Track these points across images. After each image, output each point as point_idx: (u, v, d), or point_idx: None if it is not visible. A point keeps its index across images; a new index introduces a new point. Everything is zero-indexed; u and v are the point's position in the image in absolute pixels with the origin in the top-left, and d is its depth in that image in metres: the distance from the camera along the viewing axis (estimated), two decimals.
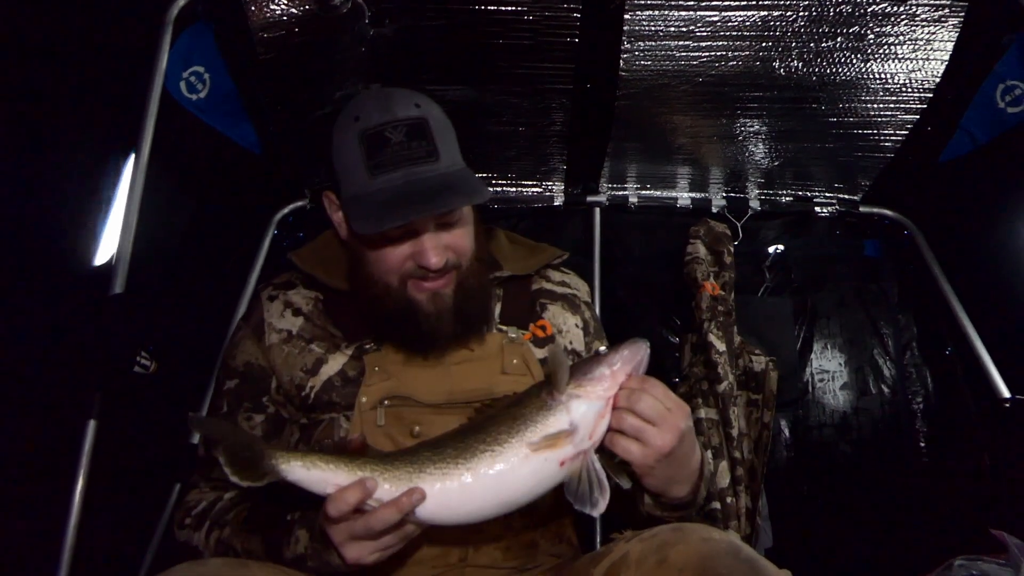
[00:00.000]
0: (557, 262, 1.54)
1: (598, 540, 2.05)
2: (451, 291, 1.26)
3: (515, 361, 1.33)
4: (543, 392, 1.06)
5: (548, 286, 1.49)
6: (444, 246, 1.22)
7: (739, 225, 2.41)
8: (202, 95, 1.86)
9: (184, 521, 1.29)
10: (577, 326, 1.47)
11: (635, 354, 1.07)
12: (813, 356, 2.46)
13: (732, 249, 2.29)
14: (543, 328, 1.41)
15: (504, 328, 1.39)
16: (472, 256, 1.29)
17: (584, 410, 1.05)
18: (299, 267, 1.39)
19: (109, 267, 1.60)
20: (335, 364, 1.30)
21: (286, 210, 2.37)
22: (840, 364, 2.46)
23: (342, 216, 1.30)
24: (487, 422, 1.07)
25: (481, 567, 1.25)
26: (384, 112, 1.21)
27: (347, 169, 1.22)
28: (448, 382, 1.29)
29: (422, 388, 1.27)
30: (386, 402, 1.26)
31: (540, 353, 1.37)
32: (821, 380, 2.45)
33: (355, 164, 1.20)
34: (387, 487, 1.03)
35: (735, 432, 2.05)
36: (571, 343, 1.45)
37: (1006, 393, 2.07)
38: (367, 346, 1.31)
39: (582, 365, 1.08)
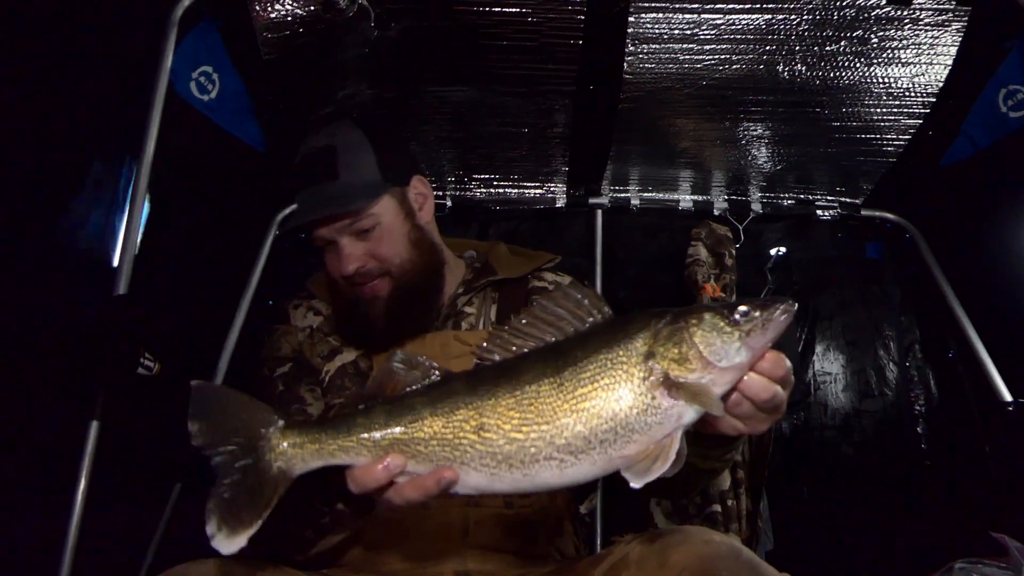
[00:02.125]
0: (550, 265, 1.60)
1: (599, 542, 2.06)
2: (386, 293, 1.38)
3: None
4: (653, 375, 0.79)
5: (540, 285, 1.56)
6: (362, 254, 1.36)
7: (741, 227, 2.41)
8: (212, 95, 1.86)
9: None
10: None
11: (785, 324, 0.82)
12: (815, 358, 2.46)
13: (733, 251, 2.30)
14: None
15: (499, 327, 1.42)
16: (407, 260, 1.40)
17: (696, 415, 0.81)
18: (312, 291, 1.55)
19: (113, 267, 1.60)
20: (349, 355, 1.43)
21: (287, 210, 2.37)
22: (842, 366, 2.46)
23: None
24: (556, 412, 0.82)
25: (482, 548, 1.27)
26: (308, 143, 1.43)
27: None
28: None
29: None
30: None
31: None
32: (823, 382, 2.45)
33: (293, 183, 1.44)
34: (417, 464, 0.87)
35: None
36: None
37: (1007, 396, 2.07)
38: (374, 349, 1.43)
39: (716, 353, 0.79)
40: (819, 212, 2.44)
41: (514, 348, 0.88)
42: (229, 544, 0.87)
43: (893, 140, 2.13)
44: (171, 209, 1.86)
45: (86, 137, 1.64)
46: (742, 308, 0.80)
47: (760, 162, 2.27)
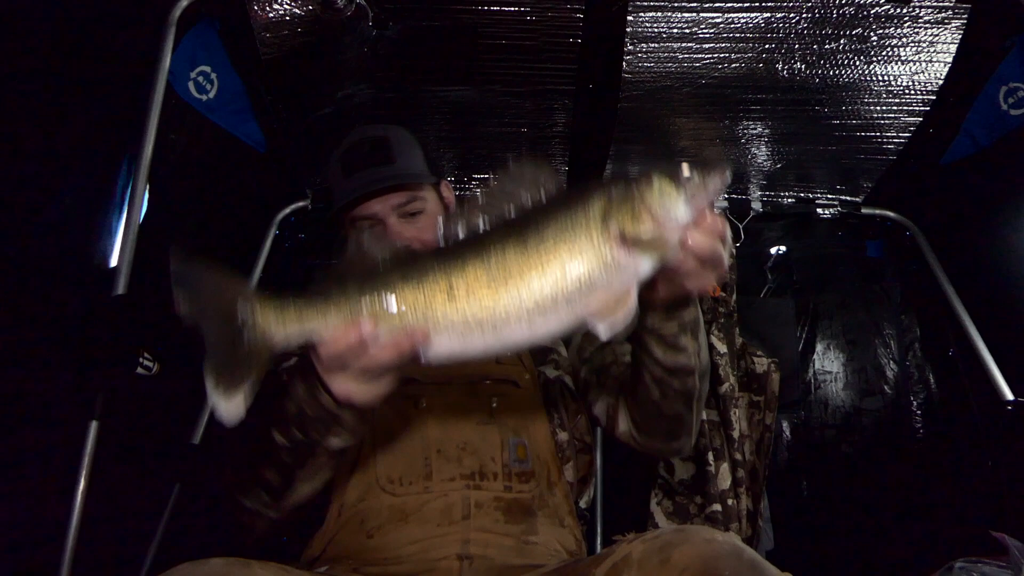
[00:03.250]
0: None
1: (599, 541, 2.06)
2: None
3: (508, 353, 1.45)
4: (610, 233, 0.86)
5: None
6: (409, 236, 1.42)
7: (741, 226, 2.41)
8: (211, 95, 1.86)
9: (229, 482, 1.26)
10: None
11: (722, 186, 0.90)
12: (815, 357, 2.46)
13: (734, 250, 2.30)
14: None
15: None
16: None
17: (651, 267, 0.89)
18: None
19: (112, 268, 1.60)
20: None
21: (287, 210, 2.38)
22: (842, 365, 2.46)
23: (345, 231, 1.52)
24: (523, 272, 0.87)
25: (483, 531, 1.28)
26: (356, 135, 1.51)
27: (334, 182, 1.50)
28: (448, 366, 1.37)
29: (425, 370, 1.37)
30: None
31: None
32: (823, 381, 2.45)
33: (336, 174, 1.48)
34: (390, 325, 0.90)
35: (736, 434, 2.06)
36: None
37: (1008, 394, 2.06)
38: None
39: (664, 209, 0.87)
40: (819, 210, 2.44)
41: (477, 223, 0.93)
42: (229, 404, 0.92)
43: (893, 138, 2.13)
44: (171, 209, 1.86)
45: (85, 137, 1.64)
46: (685, 172, 0.88)
47: (760, 160, 2.27)
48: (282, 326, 0.94)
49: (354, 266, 0.95)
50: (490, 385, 1.43)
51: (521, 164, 0.94)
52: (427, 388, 1.40)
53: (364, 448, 1.34)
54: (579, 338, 1.55)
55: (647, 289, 0.99)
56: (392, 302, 0.91)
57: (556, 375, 1.50)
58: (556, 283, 0.86)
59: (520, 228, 0.89)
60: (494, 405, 1.39)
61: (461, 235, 0.93)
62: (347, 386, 0.99)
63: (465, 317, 0.89)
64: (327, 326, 0.93)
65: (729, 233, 0.93)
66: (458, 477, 1.31)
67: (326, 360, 0.96)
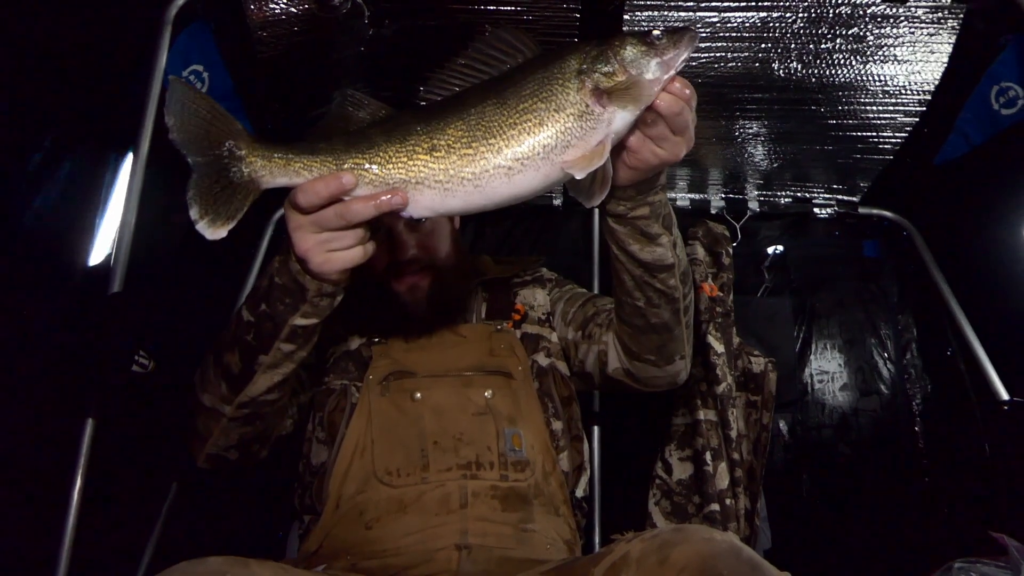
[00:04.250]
0: (534, 267, 1.74)
1: (597, 541, 2.05)
2: (427, 284, 1.47)
3: (502, 345, 1.52)
4: (586, 88, 0.89)
5: (524, 278, 1.70)
6: (415, 244, 1.45)
7: (738, 226, 2.41)
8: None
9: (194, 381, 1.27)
10: (542, 298, 1.65)
11: (691, 48, 0.93)
12: (812, 357, 2.46)
13: (730, 250, 2.29)
14: (518, 312, 1.60)
15: (490, 322, 1.59)
16: (447, 252, 1.52)
17: (626, 122, 0.92)
18: None
19: (107, 266, 1.60)
20: (353, 343, 1.51)
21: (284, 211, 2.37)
22: (839, 365, 2.46)
23: None
24: (502, 126, 0.90)
25: (481, 519, 1.29)
26: None
27: None
28: (444, 360, 1.47)
29: (422, 364, 1.46)
30: (392, 376, 1.44)
31: (518, 332, 1.56)
32: (820, 381, 2.45)
33: None
34: (371, 179, 0.93)
35: (734, 434, 2.05)
36: (543, 314, 1.62)
37: (1005, 394, 2.06)
38: (375, 340, 1.51)
39: (637, 62, 0.90)
40: (816, 210, 2.44)
41: (456, 86, 0.96)
42: (211, 232, 0.96)
43: (890, 138, 2.14)
44: (167, 207, 1.86)
45: (81, 136, 1.64)
46: (656, 32, 0.92)
47: (757, 160, 2.27)
48: (268, 166, 0.95)
49: (340, 125, 0.98)
50: (484, 376, 1.45)
51: (499, 31, 0.96)
52: (423, 381, 1.43)
53: (361, 440, 1.36)
54: (561, 306, 1.58)
55: (618, 168, 1.02)
56: (376, 161, 0.93)
57: (548, 363, 1.52)
58: (535, 136, 0.89)
59: (498, 86, 0.92)
60: (488, 396, 1.41)
61: (441, 96, 0.95)
62: (312, 242, 0.98)
63: (447, 173, 0.91)
64: (311, 173, 0.94)
65: (694, 98, 0.96)
66: (455, 467, 1.32)
67: (302, 205, 0.95)
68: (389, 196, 0.93)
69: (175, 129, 0.95)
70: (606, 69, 0.89)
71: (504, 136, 0.89)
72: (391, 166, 0.93)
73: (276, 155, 0.96)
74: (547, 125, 0.89)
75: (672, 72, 0.92)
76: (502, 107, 0.90)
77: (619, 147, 0.97)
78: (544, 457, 1.41)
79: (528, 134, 0.89)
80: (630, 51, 0.90)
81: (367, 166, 0.93)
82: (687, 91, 0.96)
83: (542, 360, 1.52)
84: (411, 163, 0.92)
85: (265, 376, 1.17)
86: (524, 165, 0.89)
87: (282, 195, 2.41)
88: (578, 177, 0.90)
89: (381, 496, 1.30)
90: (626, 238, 1.18)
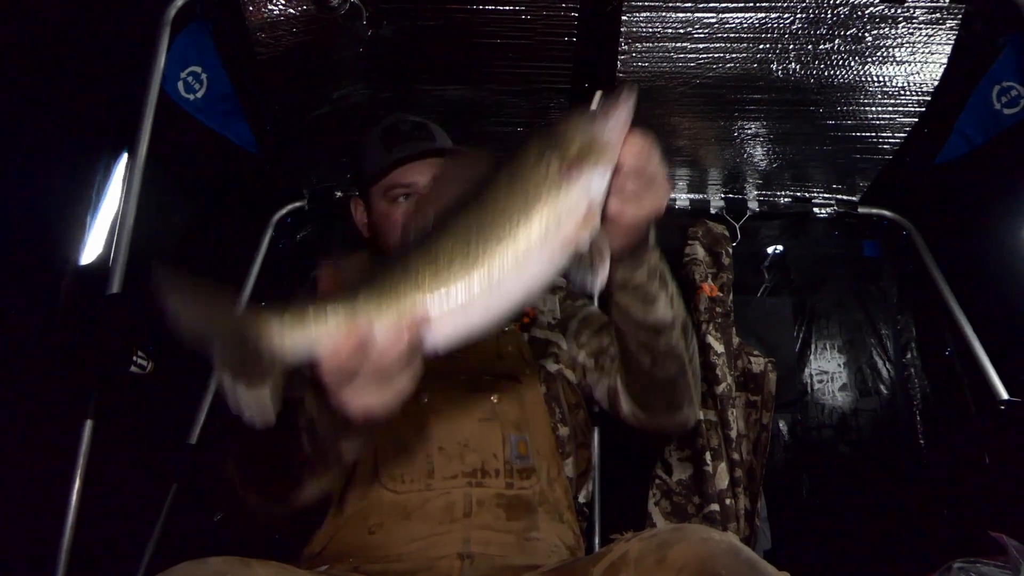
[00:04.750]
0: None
1: (596, 540, 2.05)
2: None
3: (510, 348, 1.48)
4: (552, 168, 0.90)
5: None
6: None
7: (737, 226, 2.41)
8: (199, 95, 1.86)
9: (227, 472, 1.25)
10: (553, 304, 1.63)
11: (632, 104, 0.95)
12: (812, 357, 2.46)
13: (730, 250, 2.30)
14: (527, 314, 1.56)
15: None
16: None
17: (602, 184, 0.92)
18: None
19: (106, 267, 1.60)
20: None
21: (284, 211, 2.37)
22: (839, 365, 2.46)
23: (364, 212, 1.56)
24: (495, 230, 0.89)
25: (484, 528, 1.28)
26: (396, 117, 1.55)
27: (368, 154, 1.52)
28: (452, 364, 1.40)
29: (427, 365, 1.35)
30: None
31: (527, 336, 1.53)
32: (820, 381, 2.44)
33: (374, 147, 1.51)
34: (388, 321, 0.88)
35: (734, 434, 2.05)
36: (551, 318, 1.59)
37: (1004, 394, 2.06)
38: None
39: (587, 128, 0.93)
40: (816, 210, 2.44)
41: (435, 210, 0.95)
42: (256, 415, 0.89)
43: (889, 138, 2.13)
44: (166, 208, 1.86)
45: (80, 136, 1.64)
46: (594, 101, 0.95)
47: (756, 160, 2.27)
48: (285, 336, 0.90)
49: (339, 277, 0.95)
50: (491, 381, 1.42)
51: (459, 154, 0.99)
52: (429, 384, 1.38)
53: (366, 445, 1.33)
54: (575, 324, 1.56)
55: (611, 239, 1.00)
56: (383, 297, 0.89)
57: (557, 368, 1.50)
58: (528, 227, 0.89)
59: (474, 198, 0.91)
60: (495, 400, 1.39)
61: (424, 224, 0.94)
62: (361, 397, 0.92)
63: (458, 291, 0.88)
64: (328, 331, 0.89)
65: (656, 148, 0.97)
66: (460, 475, 1.31)
67: (334, 374, 0.91)
68: (411, 331, 0.88)
69: (184, 327, 0.90)
70: (563, 145, 0.91)
71: (500, 238, 0.88)
72: (401, 301, 0.89)
73: (286, 318, 0.90)
74: (534, 212, 0.89)
75: (624, 126, 0.94)
76: (486, 213, 0.90)
77: (604, 219, 0.97)
78: (550, 463, 1.41)
79: (521, 227, 0.89)
80: (577, 123, 0.93)
81: (377, 307, 0.89)
82: (645, 141, 0.96)
83: (551, 366, 1.50)
84: (420, 293, 0.89)
85: (314, 484, 1.17)
86: (529, 257, 0.89)
87: (282, 195, 2.40)
88: (583, 248, 0.90)
89: (385, 502, 1.29)
90: (629, 306, 1.19)
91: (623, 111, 0.94)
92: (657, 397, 1.34)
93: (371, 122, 2.08)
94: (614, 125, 0.93)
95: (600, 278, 0.92)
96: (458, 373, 1.41)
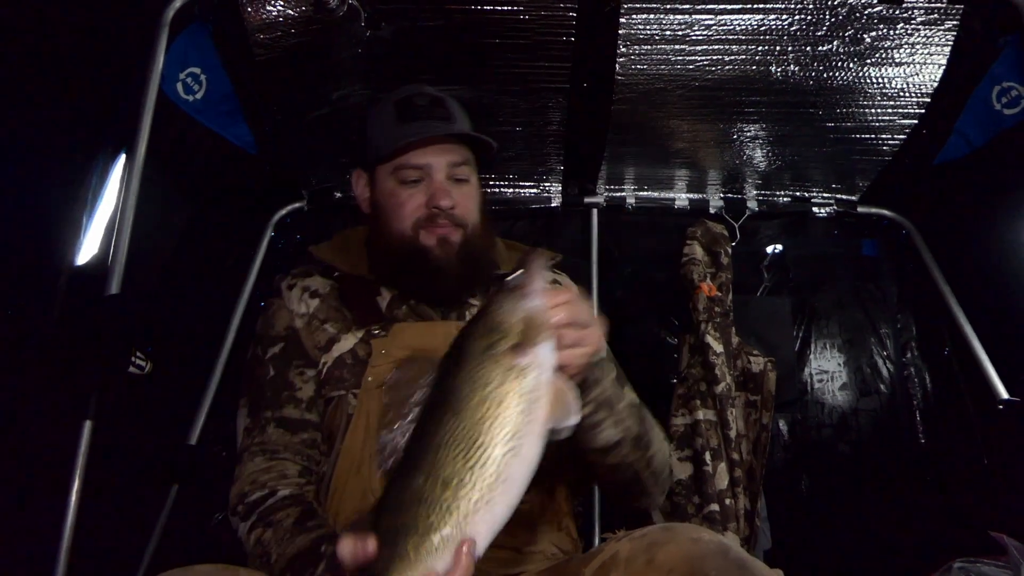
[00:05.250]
0: (551, 264, 1.61)
1: (596, 540, 2.05)
2: (458, 240, 1.40)
3: None
4: (505, 358, 0.92)
5: None
6: (454, 197, 1.39)
7: (737, 226, 2.41)
8: (198, 96, 1.86)
9: (236, 507, 1.28)
10: None
11: (542, 264, 0.99)
12: (812, 356, 2.46)
13: (729, 250, 2.29)
14: None
15: None
16: (477, 222, 1.44)
17: (551, 349, 0.95)
18: (316, 256, 1.52)
19: (105, 267, 1.60)
20: (346, 344, 1.38)
21: (283, 212, 2.38)
22: (839, 364, 2.46)
23: (366, 186, 1.49)
24: (469, 425, 0.91)
25: None
26: (414, 89, 1.47)
27: (378, 128, 1.45)
28: None
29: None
30: None
31: None
32: (820, 381, 2.44)
33: (387, 120, 1.43)
34: (435, 563, 0.88)
35: (733, 433, 2.05)
36: None
37: (1004, 393, 2.06)
38: (375, 331, 1.39)
39: (519, 307, 0.96)
40: (815, 209, 2.44)
41: (401, 423, 0.96)
42: None
43: (888, 139, 2.13)
44: (165, 209, 1.86)
45: (78, 137, 1.64)
46: (509, 277, 0.97)
47: (755, 162, 2.27)
48: None
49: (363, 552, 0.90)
50: None
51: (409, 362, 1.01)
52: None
53: (357, 456, 1.31)
54: None
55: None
56: (422, 535, 0.88)
57: None
58: (507, 417, 0.90)
59: (447, 410, 0.91)
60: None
61: (402, 441, 0.94)
62: None
63: (473, 499, 0.89)
64: None
65: (575, 294, 1.01)
66: None
67: None
68: (466, 548, 0.87)
69: None
70: (500, 331, 0.93)
71: (489, 434, 0.90)
72: (432, 537, 0.88)
73: None
74: (508, 405, 0.90)
75: (544, 289, 0.97)
76: (465, 426, 0.90)
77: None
78: (551, 473, 1.40)
79: (501, 418, 0.90)
80: (505, 305, 0.95)
81: (415, 559, 0.88)
82: (565, 295, 0.99)
83: None
84: (445, 513, 0.88)
85: None
86: (521, 439, 0.90)
87: (282, 196, 2.40)
88: (573, 421, 0.93)
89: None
90: (576, 436, 1.18)
91: (540, 277, 0.96)
92: (611, 493, 1.40)
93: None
94: (539, 293, 0.95)
95: (576, 415, 0.94)
96: None
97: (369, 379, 1.34)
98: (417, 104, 1.42)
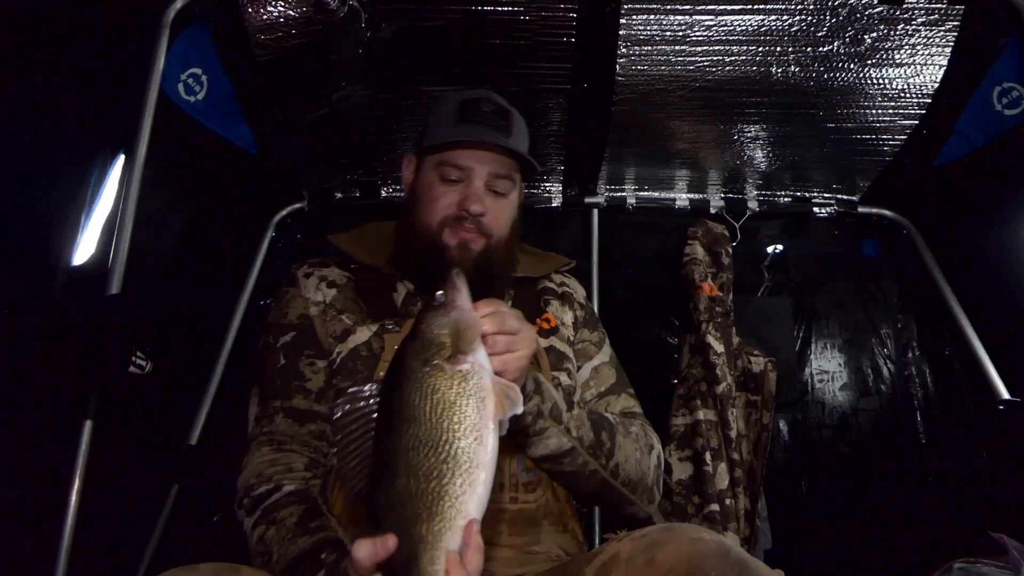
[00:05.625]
0: (564, 269, 1.66)
1: (597, 541, 2.05)
2: (478, 248, 1.41)
3: None
4: (445, 368, 0.99)
5: (550, 285, 1.62)
6: (487, 205, 1.40)
7: (737, 226, 2.41)
8: (199, 97, 1.86)
9: (242, 500, 1.28)
10: (569, 321, 1.58)
11: (462, 280, 1.06)
12: (812, 356, 2.46)
13: (730, 250, 2.29)
14: (547, 321, 1.53)
15: None
16: (504, 236, 1.45)
17: (484, 353, 1.03)
18: (336, 244, 1.54)
19: (105, 268, 1.60)
20: (362, 336, 1.40)
21: (284, 212, 2.38)
22: (839, 364, 2.46)
23: (412, 172, 1.51)
24: (429, 427, 0.98)
25: (485, 543, 1.26)
26: (484, 94, 1.48)
27: (438, 121, 1.45)
28: None
29: None
30: None
31: (545, 343, 1.48)
32: (820, 381, 2.44)
33: (447, 116, 1.44)
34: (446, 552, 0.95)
35: (734, 433, 2.05)
36: (568, 337, 1.55)
37: (1005, 393, 2.06)
38: (388, 326, 1.41)
39: (447, 320, 1.03)
40: (816, 209, 2.44)
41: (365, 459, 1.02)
42: None
43: (889, 141, 2.13)
44: (165, 209, 1.86)
45: (79, 137, 1.65)
46: (437, 294, 1.04)
47: (756, 163, 2.27)
48: None
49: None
50: None
51: (340, 395, 1.04)
52: None
53: None
54: (588, 371, 1.55)
55: None
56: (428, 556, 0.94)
57: (568, 384, 1.48)
58: (464, 415, 0.98)
59: (398, 419, 0.98)
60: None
61: (358, 464, 1.00)
62: None
63: (457, 483, 0.96)
64: None
65: (499, 305, 1.07)
66: None
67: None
68: (473, 530, 0.95)
69: None
70: (434, 344, 1.00)
71: (450, 430, 0.97)
72: (440, 512, 0.95)
73: None
74: (457, 402, 0.97)
75: (470, 302, 1.04)
76: (421, 423, 0.97)
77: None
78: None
79: (458, 416, 0.97)
80: (434, 321, 1.02)
81: (435, 526, 0.95)
82: (490, 306, 1.06)
83: (564, 379, 1.48)
84: (438, 499, 0.95)
85: None
86: (479, 430, 0.97)
87: (282, 196, 2.40)
88: (519, 411, 1.00)
89: None
90: (526, 446, 1.25)
91: (462, 291, 1.04)
92: (589, 501, 1.41)
93: (371, 123, 2.11)
94: (464, 305, 1.03)
95: (520, 406, 1.01)
96: None
97: (381, 373, 1.35)
98: (481, 109, 1.43)
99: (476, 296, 1.42)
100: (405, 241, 1.47)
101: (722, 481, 2.02)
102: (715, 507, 2.00)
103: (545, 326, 1.52)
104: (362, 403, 1.01)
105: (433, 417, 0.97)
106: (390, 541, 0.90)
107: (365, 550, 0.90)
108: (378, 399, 1.01)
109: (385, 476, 0.96)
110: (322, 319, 1.42)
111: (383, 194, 2.36)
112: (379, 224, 1.61)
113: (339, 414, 1.01)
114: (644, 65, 1.90)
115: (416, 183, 1.48)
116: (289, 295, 1.46)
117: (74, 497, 1.47)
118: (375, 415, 1.01)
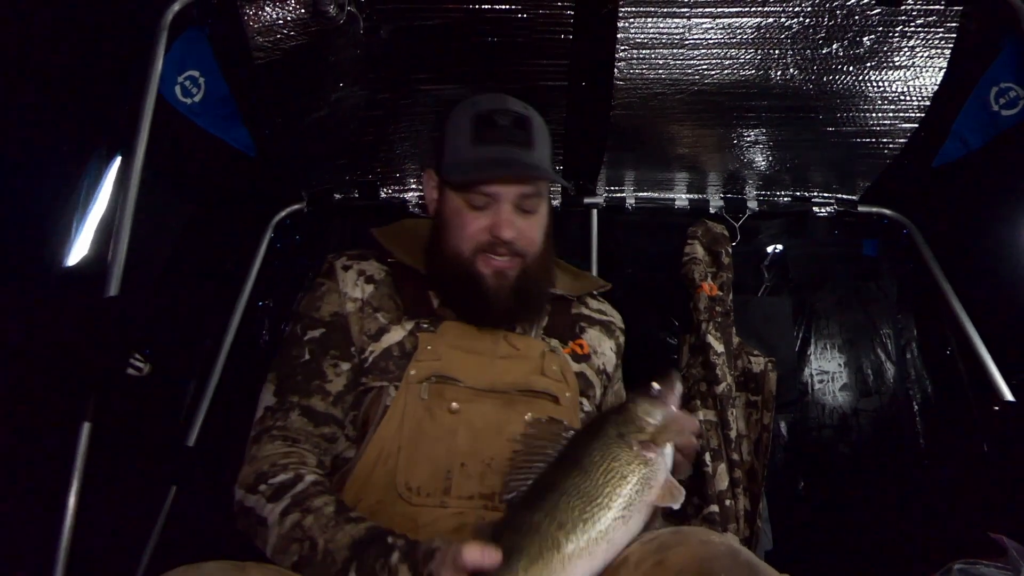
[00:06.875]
0: (600, 292, 1.68)
1: None
2: (515, 274, 1.40)
3: (554, 367, 1.45)
4: (635, 448, 1.11)
5: (587, 312, 1.63)
6: (518, 228, 1.38)
7: (737, 225, 2.40)
8: (197, 99, 1.86)
9: (257, 486, 1.25)
10: (611, 350, 1.61)
11: (679, 386, 1.20)
12: (812, 356, 2.46)
13: (730, 249, 2.29)
14: (581, 347, 1.54)
15: (547, 339, 1.51)
16: (539, 252, 1.44)
17: (670, 453, 1.15)
18: (378, 238, 1.52)
19: (104, 269, 1.60)
20: (396, 335, 1.40)
21: (283, 213, 2.38)
22: (839, 364, 2.46)
23: (436, 191, 1.48)
24: (592, 486, 1.08)
25: None
26: (498, 103, 1.44)
27: (454, 140, 1.43)
28: (491, 372, 1.40)
29: (467, 372, 1.38)
30: (433, 379, 1.36)
31: (576, 367, 1.49)
32: (820, 381, 2.44)
33: (463, 136, 1.41)
34: None
35: (734, 434, 2.05)
36: (604, 365, 1.57)
37: (1006, 394, 2.05)
38: (423, 325, 1.42)
39: (656, 412, 1.15)
40: (815, 209, 2.43)
41: (524, 476, 1.15)
42: None
43: (889, 144, 2.12)
44: (164, 211, 1.86)
45: (77, 140, 1.65)
46: (654, 386, 1.18)
47: (755, 164, 2.26)
48: None
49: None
50: (529, 398, 1.40)
51: (537, 422, 1.26)
52: (463, 392, 1.36)
53: (388, 446, 1.31)
54: (611, 396, 1.58)
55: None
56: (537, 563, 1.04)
57: (591, 409, 1.49)
58: (625, 492, 1.09)
59: (574, 475, 1.10)
60: (528, 419, 1.34)
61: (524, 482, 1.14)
62: None
63: (579, 546, 1.05)
64: None
65: (693, 419, 1.22)
66: (477, 496, 1.29)
67: None
68: None
69: None
70: (636, 428, 1.13)
71: (607, 497, 1.08)
72: (548, 561, 1.03)
73: None
74: (628, 478, 1.09)
75: (679, 404, 1.17)
76: (588, 477, 1.09)
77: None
78: None
79: (620, 489, 1.08)
80: (644, 407, 1.15)
81: (532, 569, 1.03)
82: (693, 420, 1.21)
83: (588, 405, 1.49)
84: (554, 549, 1.03)
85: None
86: (631, 511, 1.08)
87: (281, 198, 2.40)
88: (676, 507, 1.11)
89: (397, 511, 1.27)
90: None
91: (677, 395, 1.17)
92: None
93: (369, 124, 2.10)
94: (674, 408, 1.16)
95: (678, 502, 1.12)
96: (496, 384, 1.38)
97: (412, 372, 1.36)
98: (499, 123, 1.39)
99: (518, 318, 1.48)
100: (437, 263, 1.46)
101: (722, 482, 2.02)
102: (715, 508, 2.00)
103: (579, 351, 1.52)
104: (556, 433, 1.16)
105: (601, 478, 1.08)
106: (495, 557, 0.97)
107: (475, 553, 0.96)
108: (568, 439, 1.15)
109: (529, 504, 1.07)
110: (358, 316, 1.41)
111: (382, 195, 2.36)
112: (415, 221, 1.62)
113: (533, 432, 1.16)
114: (642, 68, 1.89)
115: (442, 207, 1.45)
116: (325, 288, 1.45)
117: (72, 499, 1.47)
118: (559, 449, 1.14)
